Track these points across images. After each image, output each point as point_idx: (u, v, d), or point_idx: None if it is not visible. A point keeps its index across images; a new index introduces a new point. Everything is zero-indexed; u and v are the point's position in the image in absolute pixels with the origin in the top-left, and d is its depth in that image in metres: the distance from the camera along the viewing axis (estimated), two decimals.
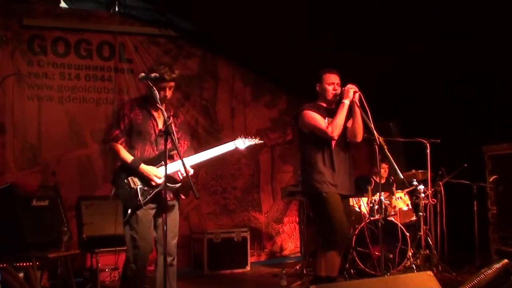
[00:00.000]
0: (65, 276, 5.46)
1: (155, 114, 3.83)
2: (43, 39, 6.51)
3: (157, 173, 3.67)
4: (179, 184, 3.77)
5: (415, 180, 5.92)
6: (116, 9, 6.96)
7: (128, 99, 5.13)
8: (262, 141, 4.01)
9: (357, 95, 4.12)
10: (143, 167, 3.68)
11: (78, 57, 6.66)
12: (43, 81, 6.47)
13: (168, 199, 3.74)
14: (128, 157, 3.73)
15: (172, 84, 3.78)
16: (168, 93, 3.77)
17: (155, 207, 3.74)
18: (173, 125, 3.81)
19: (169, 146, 3.45)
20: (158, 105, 3.50)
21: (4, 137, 6.26)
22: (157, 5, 7.02)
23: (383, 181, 6.39)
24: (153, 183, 3.66)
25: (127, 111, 3.79)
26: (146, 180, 3.68)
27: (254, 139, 3.94)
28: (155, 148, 3.78)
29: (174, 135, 3.52)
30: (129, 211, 3.71)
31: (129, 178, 3.70)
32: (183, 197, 3.93)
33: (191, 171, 3.67)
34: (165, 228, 3.41)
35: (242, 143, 3.88)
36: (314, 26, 5.89)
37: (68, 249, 5.33)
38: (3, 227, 4.94)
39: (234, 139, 3.90)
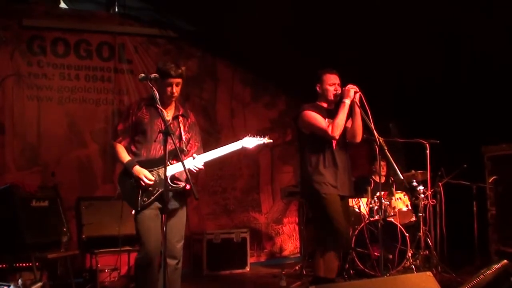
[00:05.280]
0: (64, 277, 5.46)
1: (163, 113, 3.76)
2: (43, 39, 6.51)
3: (146, 174, 3.63)
4: (183, 185, 3.71)
5: (414, 180, 5.92)
6: (116, 9, 6.96)
7: (138, 98, 5.08)
8: (271, 140, 3.91)
9: (357, 95, 4.10)
10: (136, 168, 3.64)
11: (77, 57, 6.66)
12: (43, 82, 6.47)
13: (171, 202, 3.70)
14: (124, 158, 3.71)
15: (179, 80, 3.71)
16: (175, 90, 3.71)
17: (160, 207, 3.70)
18: (181, 125, 3.79)
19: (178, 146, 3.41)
20: (158, 105, 3.49)
21: (3, 137, 6.26)
22: (157, 6, 7.03)
23: (382, 180, 6.38)
24: (142, 183, 3.61)
25: (133, 110, 3.77)
26: (138, 181, 3.64)
27: (262, 138, 3.85)
28: (162, 148, 3.67)
29: (174, 136, 3.49)
30: (133, 212, 3.69)
31: (133, 179, 3.67)
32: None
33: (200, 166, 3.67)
34: (164, 229, 3.40)
35: (250, 142, 3.79)
36: (314, 26, 5.89)
37: (68, 249, 5.32)
38: (3, 227, 4.94)
39: (241, 138, 3.80)
